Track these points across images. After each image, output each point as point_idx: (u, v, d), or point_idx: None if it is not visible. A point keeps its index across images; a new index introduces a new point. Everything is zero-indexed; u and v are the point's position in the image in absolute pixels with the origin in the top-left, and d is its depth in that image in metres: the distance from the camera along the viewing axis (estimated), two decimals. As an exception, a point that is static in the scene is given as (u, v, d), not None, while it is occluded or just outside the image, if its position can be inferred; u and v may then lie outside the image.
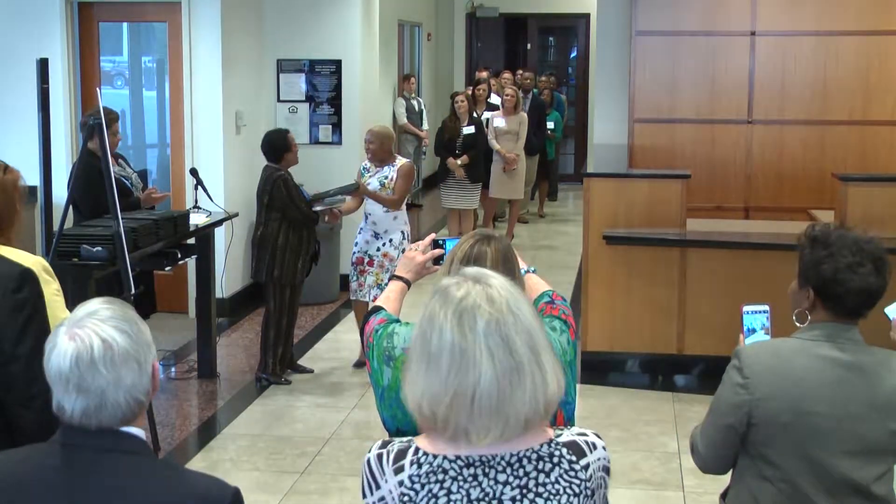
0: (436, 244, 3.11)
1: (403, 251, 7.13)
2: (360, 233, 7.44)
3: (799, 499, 2.79)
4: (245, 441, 6.22)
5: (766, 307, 3.02)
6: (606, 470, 2.11)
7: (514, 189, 11.78)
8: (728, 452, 2.88)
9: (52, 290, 3.41)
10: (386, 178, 7.31)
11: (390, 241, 7.33)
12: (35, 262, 3.34)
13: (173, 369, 7.52)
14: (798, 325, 2.88)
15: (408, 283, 3.07)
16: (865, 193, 7.15)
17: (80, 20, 8.65)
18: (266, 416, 6.63)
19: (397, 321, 2.84)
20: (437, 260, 3.07)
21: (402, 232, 7.38)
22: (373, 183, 7.29)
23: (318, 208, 7.12)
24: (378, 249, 7.33)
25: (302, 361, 7.53)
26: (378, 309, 2.92)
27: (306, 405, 6.83)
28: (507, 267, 2.70)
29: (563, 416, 2.81)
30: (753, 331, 3.01)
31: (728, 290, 7.02)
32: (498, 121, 11.49)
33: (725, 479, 3.07)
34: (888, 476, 2.83)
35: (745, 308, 3.02)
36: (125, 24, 9.45)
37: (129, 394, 2.04)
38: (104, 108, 6.66)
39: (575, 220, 12.58)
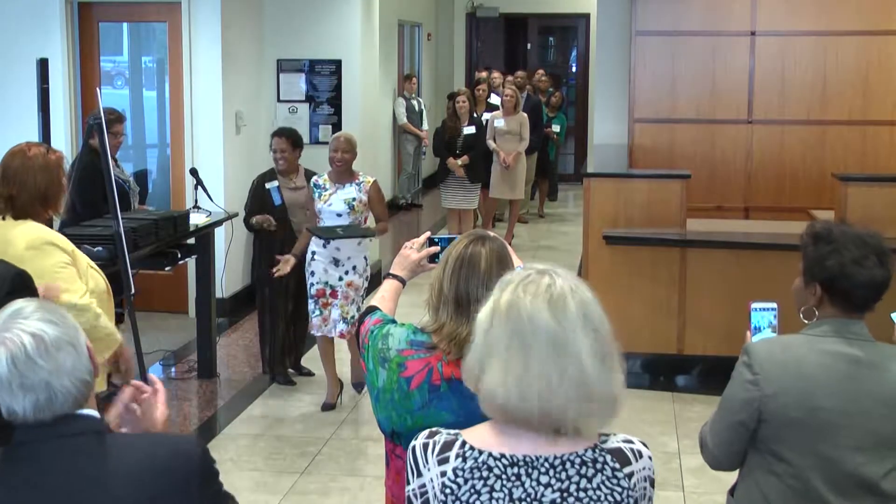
0: (431, 242, 3.11)
1: (368, 279, 6.73)
2: (313, 260, 6.59)
3: (808, 495, 2.79)
4: (245, 441, 6.22)
5: (775, 304, 3.02)
6: (651, 481, 2.09)
7: (514, 189, 11.77)
8: (739, 449, 2.89)
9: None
10: (353, 199, 6.53)
11: (353, 268, 6.58)
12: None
13: (173, 369, 7.52)
14: (805, 322, 2.89)
15: (402, 282, 3.07)
16: (865, 193, 7.15)
17: (80, 20, 8.65)
18: (266, 416, 6.63)
19: (392, 321, 2.82)
20: (433, 258, 3.06)
21: (365, 258, 6.66)
22: (335, 204, 6.51)
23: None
24: (340, 279, 6.57)
25: (302, 362, 7.52)
26: (373, 309, 2.91)
27: (306, 405, 6.83)
28: (502, 267, 2.65)
29: None
30: (760, 329, 3.01)
31: (728, 290, 7.02)
32: (498, 121, 11.49)
33: (726, 477, 3.07)
34: (894, 474, 2.83)
35: (753, 305, 3.03)
36: (125, 24, 9.45)
37: (72, 377, 2.06)
38: (108, 109, 6.84)
39: (575, 220, 12.58)
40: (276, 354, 7.17)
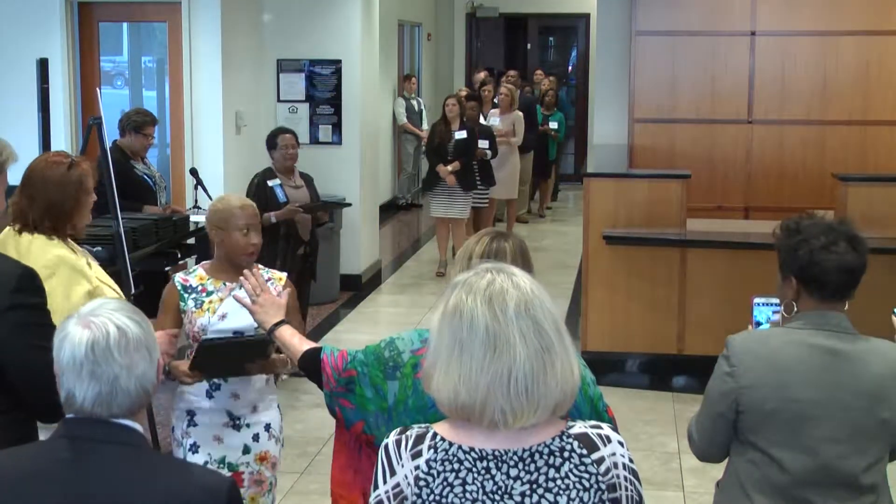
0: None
1: (282, 444, 4.09)
2: (193, 424, 3.89)
3: (784, 485, 2.82)
4: (245, 441, 6.21)
5: (777, 300, 3.04)
6: (630, 471, 2.05)
7: (507, 189, 11.63)
8: (722, 440, 2.93)
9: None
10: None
11: (266, 428, 3.95)
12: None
13: (173, 369, 7.51)
14: (787, 315, 2.92)
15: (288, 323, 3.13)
16: (865, 193, 7.15)
17: (80, 20, 8.65)
18: (266, 416, 6.62)
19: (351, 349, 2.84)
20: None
21: (278, 407, 4.09)
22: (233, 316, 3.82)
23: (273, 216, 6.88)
24: (247, 452, 3.91)
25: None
26: (317, 350, 2.89)
27: (306, 405, 6.82)
28: (525, 261, 2.73)
29: None
30: (761, 323, 3.05)
31: (728, 290, 7.02)
32: (493, 119, 11.47)
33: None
34: (877, 467, 2.85)
35: (756, 299, 3.07)
36: (125, 24, 9.45)
37: (139, 382, 2.08)
38: (143, 110, 7.19)
39: (575, 220, 12.58)
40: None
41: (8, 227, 3.75)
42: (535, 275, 2.62)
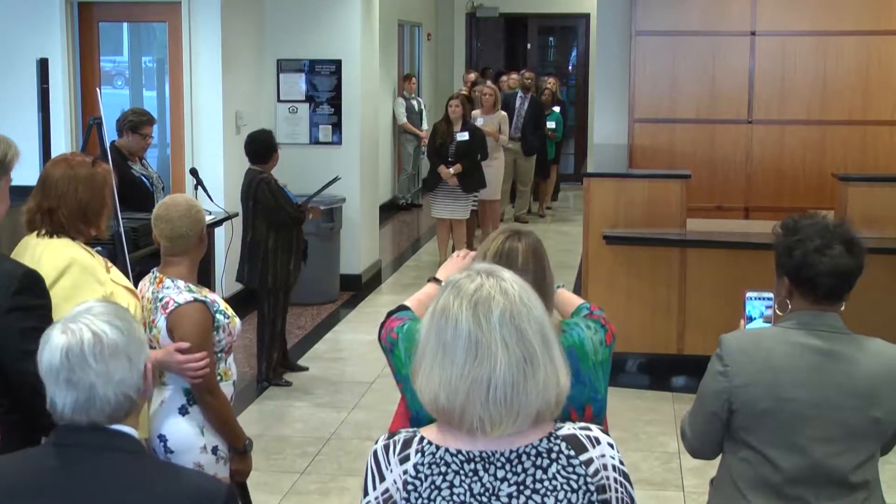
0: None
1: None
2: (167, 450, 3.61)
3: (776, 483, 2.83)
4: (245, 441, 6.22)
5: (770, 294, 3.05)
6: (621, 472, 2.05)
7: (490, 190, 11.47)
8: (714, 438, 2.96)
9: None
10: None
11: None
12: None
13: (173, 369, 7.52)
14: (780, 314, 2.92)
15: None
16: (865, 193, 7.15)
17: (80, 20, 8.65)
18: (266, 417, 6.63)
19: (413, 319, 2.87)
20: None
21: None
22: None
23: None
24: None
25: (302, 361, 7.54)
26: (404, 307, 2.95)
27: (306, 405, 6.83)
28: (538, 261, 2.74)
29: (592, 410, 2.86)
30: (753, 318, 3.04)
31: (728, 290, 7.00)
32: (477, 120, 11.41)
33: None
34: (869, 465, 2.86)
35: (748, 294, 3.06)
36: (125, 24, 9.46)
37: (118, 389, 2.04)
38: (140, 110, 7.15)
39: (575, 220, 12.58)
40: (280, 355, 7.27)
41: (28, 235, 3.58)
42: (550, 274, 2.62)
